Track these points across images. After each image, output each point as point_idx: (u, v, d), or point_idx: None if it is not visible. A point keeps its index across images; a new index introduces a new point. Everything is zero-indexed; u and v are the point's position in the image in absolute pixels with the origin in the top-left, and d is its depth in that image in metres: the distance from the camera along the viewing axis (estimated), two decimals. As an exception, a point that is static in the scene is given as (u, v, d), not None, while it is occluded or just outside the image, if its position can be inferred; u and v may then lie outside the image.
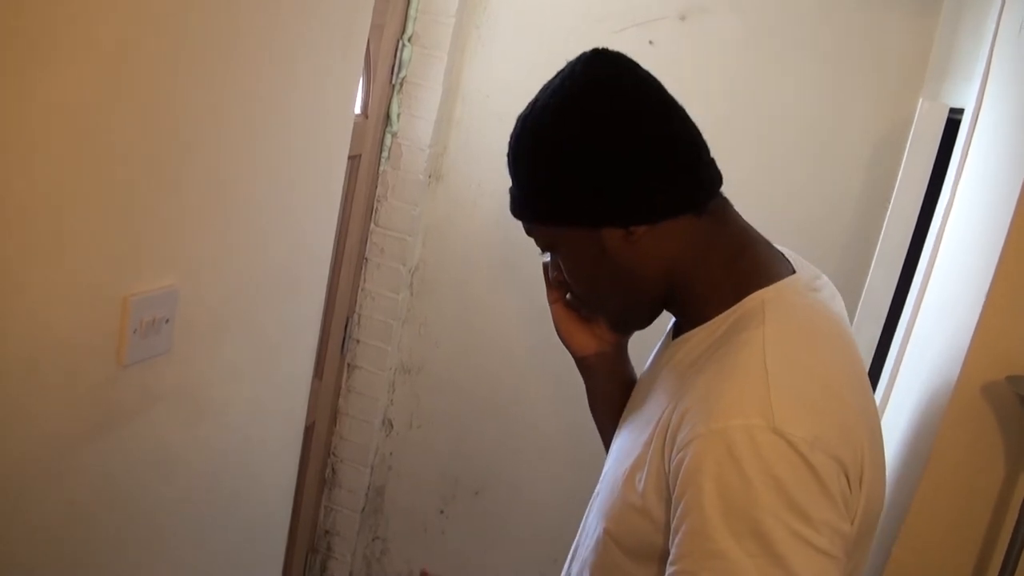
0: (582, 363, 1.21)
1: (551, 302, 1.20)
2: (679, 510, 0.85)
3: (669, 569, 0.86)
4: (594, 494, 1.12)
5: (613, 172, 0.94)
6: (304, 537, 2.74)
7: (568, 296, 1.16)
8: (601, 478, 1.11)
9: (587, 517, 1.11)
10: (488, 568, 2.71)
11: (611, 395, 1.21)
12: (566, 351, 1.21)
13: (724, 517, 0.81)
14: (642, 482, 0.93)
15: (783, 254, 1.04)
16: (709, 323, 0.97)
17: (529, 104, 1.01)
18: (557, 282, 1.14)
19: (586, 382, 1.23)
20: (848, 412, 0.89)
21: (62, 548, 1.22)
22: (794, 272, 1.00)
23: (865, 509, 0.89)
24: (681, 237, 0.97)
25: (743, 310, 0.95)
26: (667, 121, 0.97)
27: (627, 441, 1.03)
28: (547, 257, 1.14)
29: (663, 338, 1.18)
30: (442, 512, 2.74)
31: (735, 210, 1.03)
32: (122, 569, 1.36)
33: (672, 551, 0.86)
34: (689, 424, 0.86)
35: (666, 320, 1.26)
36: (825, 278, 1.08)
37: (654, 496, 0.91)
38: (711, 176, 1.00)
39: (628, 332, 1.19)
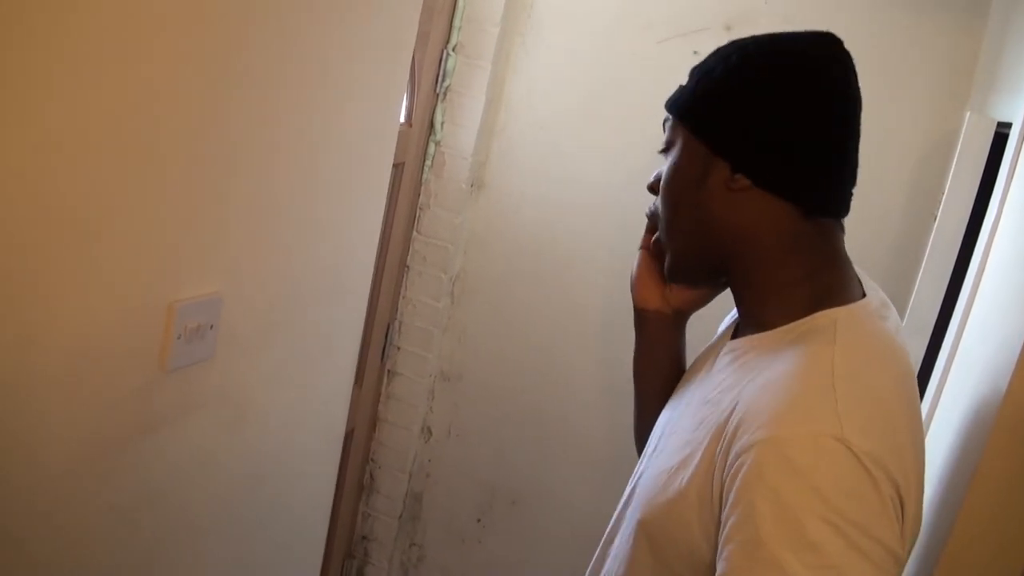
0: (640, 315, 1.24)
1: (640, 247, 1.24)
2: (732, 519, 0.84)
3: None
4: (634, 477, 1.11)
5: (768, 123, 0.96)
6: (341, 543, 2.76)
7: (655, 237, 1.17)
8: (643, 462, 1.11)
9: (623, 505, 1.11)
10: (524, 577, 2.71)
11: (658, 362, 1.24)
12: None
13: (781, 526, 0.80)
14: (685, 480, 0.93)
15: (859, 279, 1.04)
16: (774, 331, 0.98)
17: (749, 38, 1.05)
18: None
19: (637, 336, 1.26)
20: (903, 440, 0.88)
21: (103, 549, 1.24)
22: (864, 296, 1.00)
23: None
24: (772, 219, 0.98)
25: (812, 324, 0.95)
26: (843, 130, 0.99)
27: (676, 438, 1.03)
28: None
29: (718, 334, 1.17)
30: (479, 521, 2.74)
31: (842, 239, 1.03)
32: (161, 571, 1.38)
33: (721, 563, 0.85)
34: (748, 431, 0.85)
35: (716, 317, 1.25)
36: (893, 309, 1.07)
37: (695, 497, 0.91)
38: (837, 198, 1.01)
39: (676, 281, 1.18)
